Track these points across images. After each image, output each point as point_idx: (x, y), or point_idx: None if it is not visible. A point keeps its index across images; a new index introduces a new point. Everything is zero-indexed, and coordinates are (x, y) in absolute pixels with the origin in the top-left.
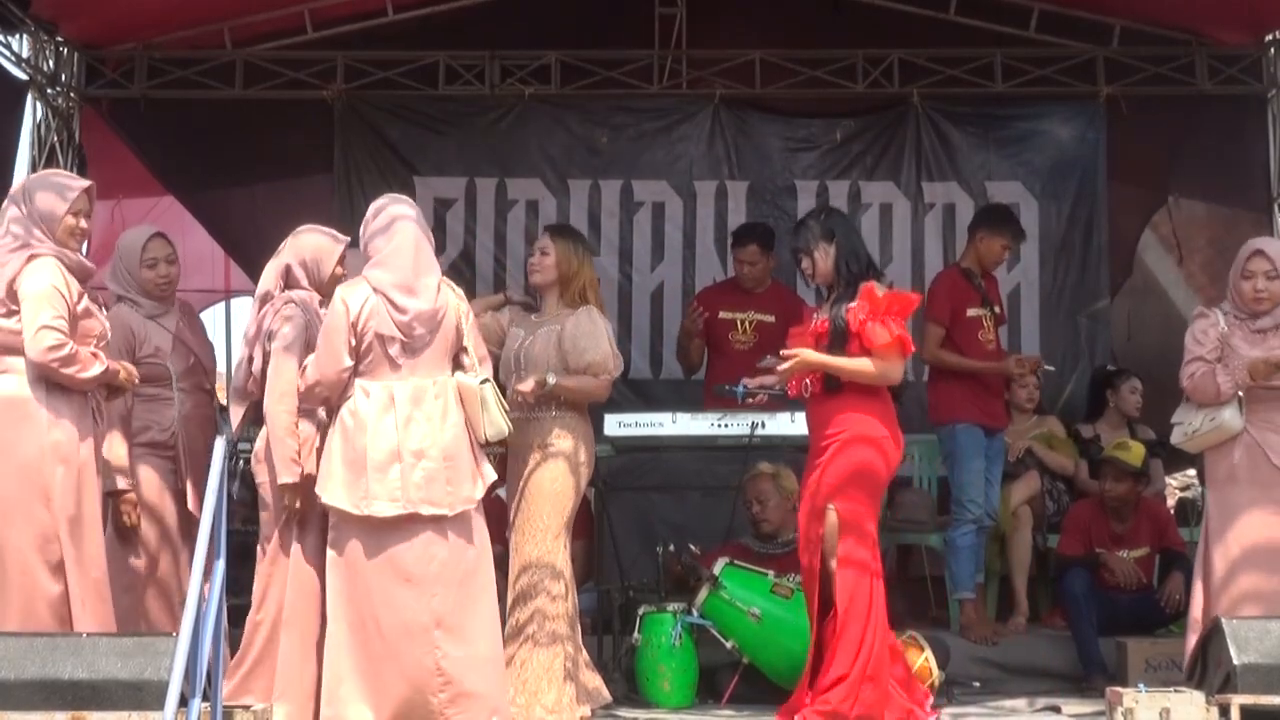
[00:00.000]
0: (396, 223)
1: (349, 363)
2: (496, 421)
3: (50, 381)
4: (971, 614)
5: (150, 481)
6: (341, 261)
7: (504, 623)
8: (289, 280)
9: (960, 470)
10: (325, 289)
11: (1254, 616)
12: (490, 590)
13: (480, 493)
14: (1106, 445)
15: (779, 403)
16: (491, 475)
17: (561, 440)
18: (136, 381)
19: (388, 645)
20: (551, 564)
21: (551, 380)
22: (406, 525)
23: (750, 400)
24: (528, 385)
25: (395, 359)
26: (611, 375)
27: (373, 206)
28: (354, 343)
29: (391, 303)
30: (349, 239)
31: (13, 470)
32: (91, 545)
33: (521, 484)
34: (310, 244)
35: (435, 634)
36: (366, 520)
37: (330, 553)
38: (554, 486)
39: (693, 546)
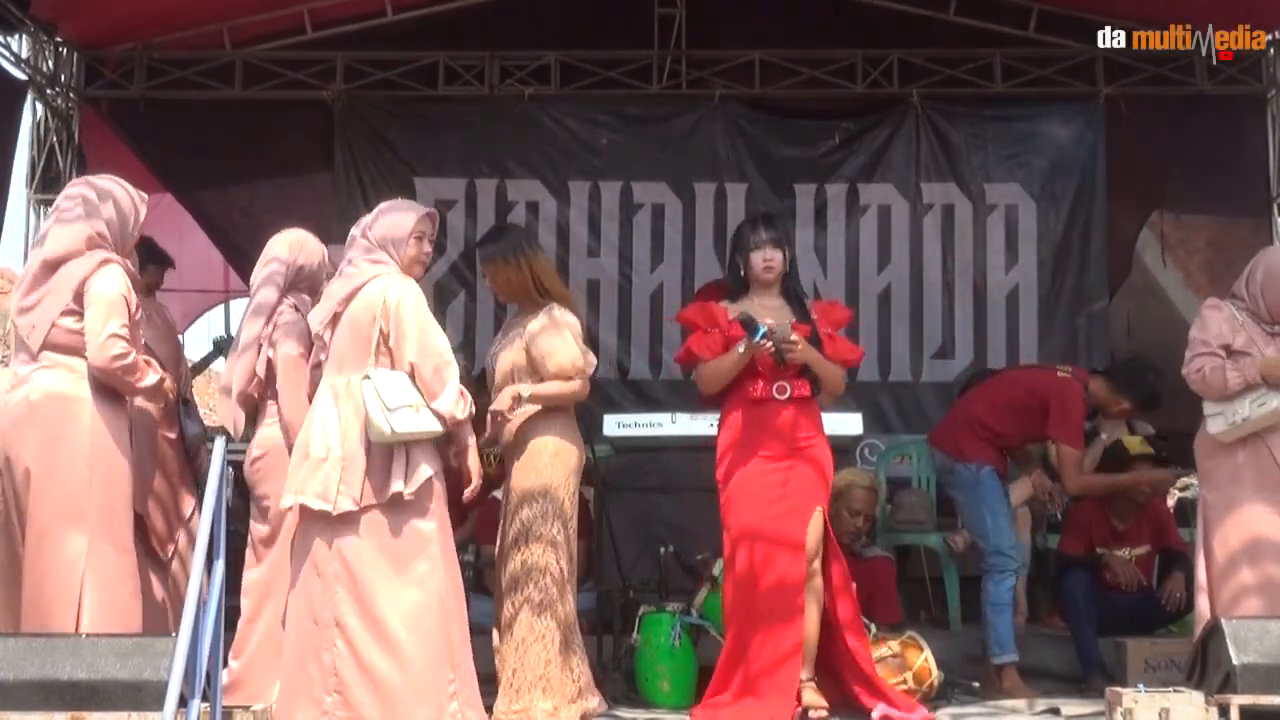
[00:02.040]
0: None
1: (319, 360)
2: (374, 423)
3: (104, 385)
4: (1016, 679)
5: None
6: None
7: (497, 624)
8: (294, 282)
9: (994, 515)
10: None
11: (1254, 616)
12: (412, 599)
13: (386, 495)
14: (1108, 440)
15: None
16: (420, 475)
17: (544, 441)
18: (174, 395)
19: (302, 639)
20: (540, 565)
21: (526, 393)
22: (320, 521)
23: (763, 343)
24: (504, 402)
25: (320, 358)
26: (583, 374)
27: None
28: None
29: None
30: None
31: (58, 467)
32: (112, 552)
33: (510, 487)
34: (317, 250)
35: (332, 631)
36: (300, 513)
37: None
38: (537, 485)
39: (700, 557)
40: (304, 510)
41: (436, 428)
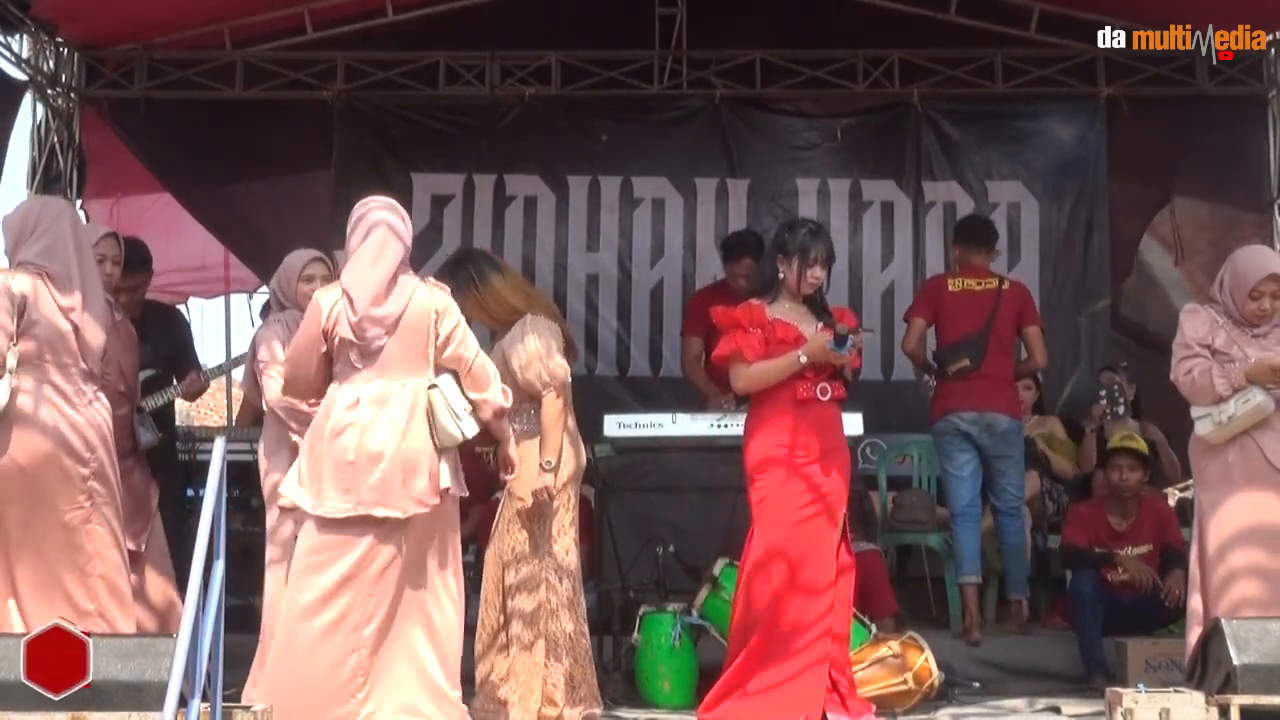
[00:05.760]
0: (367, 227)
1: (314, 364)
2: (444, 427)
3: None
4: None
5: None
6: (331, 273)
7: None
8: (278, 301)
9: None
10: (298, 303)
11: (1254, 617)
12: (449, 601)
13: (441, 497)
14: (1109, 435)
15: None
16: (447, 481)
17: (530, 443)
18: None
19: (328, 641)
20: (537, 576)
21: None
22: (357, 526)
23: (844, 353)
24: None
25: (354, 362)
26: (550, 387)
27: (354, 209)
28: (324, 346)
29: (350, 306)
30: (317, 253)
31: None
32: None
33: (510, 492)
34: (281, 266)
35: (364, 633)
36: (321, 520)
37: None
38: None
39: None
40: (347, 518)
41: (477, 429)
